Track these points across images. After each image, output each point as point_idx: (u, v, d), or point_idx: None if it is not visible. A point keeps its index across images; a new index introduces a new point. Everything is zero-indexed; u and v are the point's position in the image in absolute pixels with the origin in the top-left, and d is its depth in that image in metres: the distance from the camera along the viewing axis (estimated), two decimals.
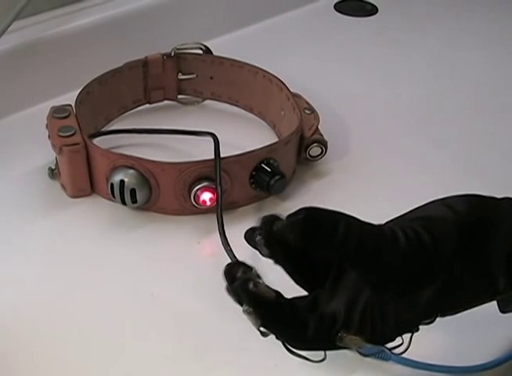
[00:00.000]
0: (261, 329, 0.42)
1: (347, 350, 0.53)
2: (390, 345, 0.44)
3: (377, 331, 0.42)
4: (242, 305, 0.41)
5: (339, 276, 0.44)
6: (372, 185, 0.70)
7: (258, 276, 0.42)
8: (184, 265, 0.61)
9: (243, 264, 0.43)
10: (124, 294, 0.58)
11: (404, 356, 0.52)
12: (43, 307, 0.57)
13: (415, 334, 0.44)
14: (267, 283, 0.42)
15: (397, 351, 0.44)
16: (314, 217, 0.39)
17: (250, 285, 0.41)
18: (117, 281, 0.59)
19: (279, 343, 0.43)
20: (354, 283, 0.43)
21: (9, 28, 0.73)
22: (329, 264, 0.44)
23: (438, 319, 0.43)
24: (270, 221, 0.41)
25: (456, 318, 0.44)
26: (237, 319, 0.43)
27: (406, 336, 0.44)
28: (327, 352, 0.44)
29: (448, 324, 0.50)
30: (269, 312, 0.41)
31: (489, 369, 0.52)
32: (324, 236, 0.39)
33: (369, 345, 0.42)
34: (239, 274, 0.42)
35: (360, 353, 0.52)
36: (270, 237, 0.42)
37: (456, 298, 0.42)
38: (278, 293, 0.42)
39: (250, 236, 0.43)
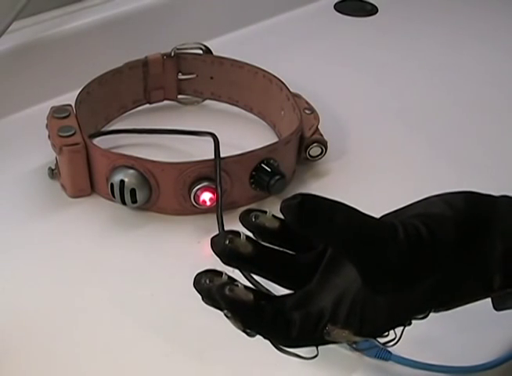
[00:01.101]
0: (247, 330, 0.42)
1: (349, 351, 0.53)
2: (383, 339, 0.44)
3: (367, 325, 0.42)
4: (222, 311, 0.41)
5: (328, 271, 0.44)
6: (371, 185, 0.71)
7: (232, 280, 0.42)
8: (184, 265, 0.61)
9: (210, 271, 0.42)
10: (124, 294, 0.58)
11: (404, 356, 0.52)
12: (43, 307, 0.57)
13: (415, 334, 0.44)
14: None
15: (388, 345, 0.44)
16: (310, 203, 0.38)
17: (226, 290, 0.40)
18: (117, 281, 0.59)
19: None
20: (343, 277, 0.43)
21: (9, 28, 0.73)
22: (312, 263, 0.44)
23: (433, 315, 0.43)
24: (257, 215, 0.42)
25: (456, 318, 0.44)
26: None
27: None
28: (328, 351, 0.44)
29: (448, 324, 0.50)
30: (249, 315, 0.41)
31: (489, 369, 0.52)
32: (322, 223, 0.38)
33: (358, 339, 0.42)
34: (208, 283, 0.42)
35: (354, 348, 0.52)
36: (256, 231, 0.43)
37: (451, 294, 0.42)
38: (259, 294, 0.42)
39: (244, 218, 0.43)
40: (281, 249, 0.44)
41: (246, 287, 0.41)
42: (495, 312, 0.45)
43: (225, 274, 0.42)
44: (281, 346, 0.43)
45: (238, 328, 0.41)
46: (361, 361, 0.53)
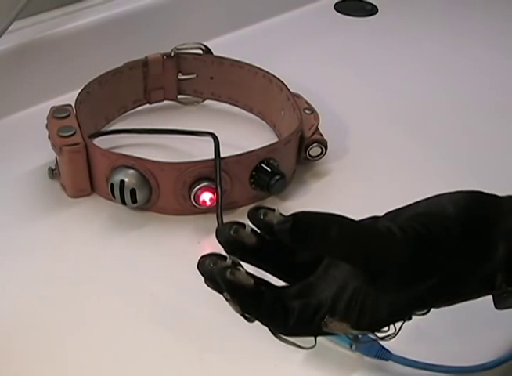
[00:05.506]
0: (245, 315, 0.42)
1: (349, 351, 0.53)
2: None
3: (365, 318, 0.42)
4: (222, 294, 0.42)
5: (330, 265, 0.44)
6: (372, 185, 0.71)
7: (236, 264, 0.42)
8: (184, 265, 0.61)
9: (215, 255, 0.43)
10: (124, 294, 0.58)
11: (404, 355, 0.52)
12: (43, 307, 0.57)
13: (415, 334, 0.44)
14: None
15: (386, 339, 0.44)
16: (302, 224, 0.39)
17: (227, 273, 0.41)
18: (116, 281, 0.59)
19: (280, 343, 0.43)
20: (345, 271, 0.43)
21: (9, 28, 0.73)
22: (314, 258, 0.45)
23: (433, 315, 0.43)
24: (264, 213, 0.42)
25: (456, 318, 0.44)
26: (237, 320, 0.43)
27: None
28: (328, 351, 0.44)
29: (448, 324, 0.50)
30: (247, 299, 0.41)
31: (489, 369, 0.52)
32: (316, 241, 0.39)
33: (355, 332, 0.42)
34: (211, 265, 0.42)
35: (351, 339, 0.52)
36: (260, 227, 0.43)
37: (453, 291, 0.43)
38: (260, 280, 0.42)
39: (253, 215, 0.43)
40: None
41: (248, 272, 0.42)
42: (495, 312, 0.45)
43: (230, 258, 0.42)
44: (279, 334, 0.43)
45: (237, 312, 0.42)
46: (361, 361, 0.53)
